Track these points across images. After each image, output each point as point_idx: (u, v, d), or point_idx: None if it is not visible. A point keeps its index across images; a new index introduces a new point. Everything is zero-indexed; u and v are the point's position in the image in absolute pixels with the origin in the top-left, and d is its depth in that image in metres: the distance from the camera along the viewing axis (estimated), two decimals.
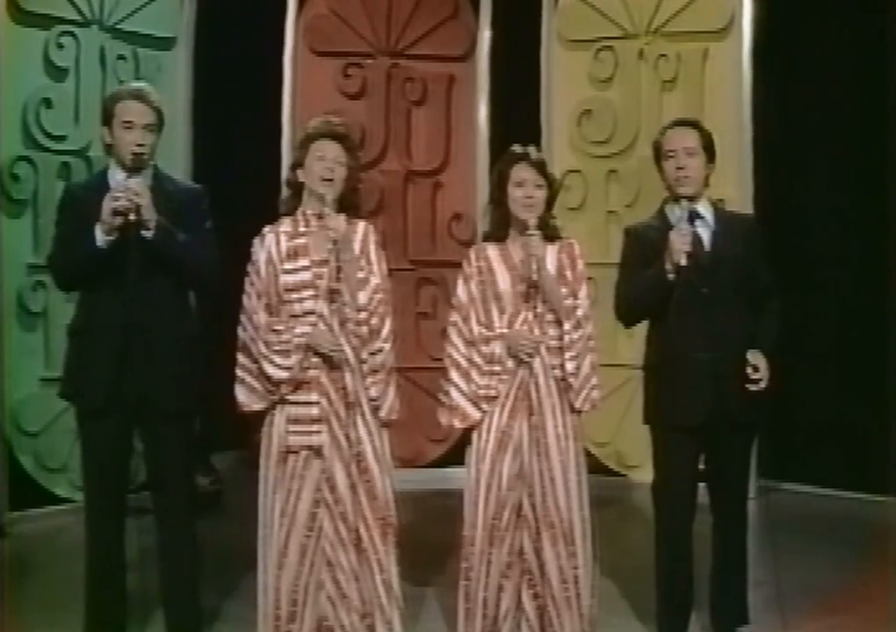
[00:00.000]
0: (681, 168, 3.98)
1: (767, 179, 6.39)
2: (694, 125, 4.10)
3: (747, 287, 4.01)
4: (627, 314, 4.15)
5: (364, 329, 3.88)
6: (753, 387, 3.90)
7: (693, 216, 3.97)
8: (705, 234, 4.00)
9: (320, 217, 3.88)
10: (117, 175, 3.94)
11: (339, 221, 3.85)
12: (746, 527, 4.13)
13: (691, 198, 3.99)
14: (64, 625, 4.22)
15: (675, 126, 4.10)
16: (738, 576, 4.13)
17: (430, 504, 5.85)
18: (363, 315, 3.87)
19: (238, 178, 6.60)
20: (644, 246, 4.05)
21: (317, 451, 3.84)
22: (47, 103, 6.02)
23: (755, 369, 3.89)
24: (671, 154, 4.01)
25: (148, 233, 3.82)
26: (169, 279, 3.92)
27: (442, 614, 4.46)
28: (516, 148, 4.02)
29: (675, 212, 4.00)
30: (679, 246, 3.86)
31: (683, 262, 3.86)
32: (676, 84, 6.71)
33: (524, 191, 3.95)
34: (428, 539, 5.07)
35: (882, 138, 6.24)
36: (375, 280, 3.93)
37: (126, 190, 3.79)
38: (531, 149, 4.02)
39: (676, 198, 4.02)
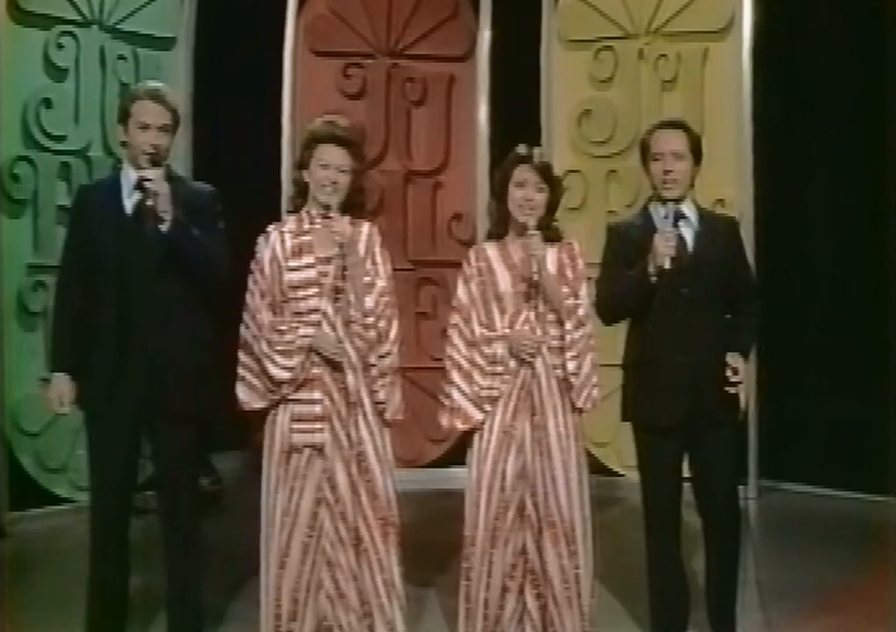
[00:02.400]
0: (668, 172, 3.96)
1: (767, 179, 6.40)
2: (682, 126, 4.07)
3: (728, 288, 4.02)
4: (606, 313, 4.13)
5: (373, 333, 3.87)
6: (731, 389, 3.90)
7: (678, 217, 3.96)
8: (688, 235, 3.99)
9: (325, 217, 3.89)
10: (130, 174, 3.95)
11: (344, 224, 3.85)
12: (736, 531, 4.07)
13: (676, 200, 3.98)
14: (64, 625, 4.22)
15: (663, 128, 4.06)
16: (730, 577, 4.10)
17: (431, 504, 5.85)
18: (370, 319, 3.87)
19: (238, 178, 6.59)
20: (626, 244, 4.04)
21: (320, 450, 3.84)
22: (47, 103, 6.03)
23: (735, 371, 3.90)
24: (658, 156, 3.99)
25: (164, 226, 3.82)
26: (181, 276, 3.92)
27: (443, 614, 4.46)
28: (522, 149, 4.01)
29: (660, 212, 3.98)
30: (663, 250, 3.84)
31: (667, 265, 3.84)
32: (676, 84, 6.71)
33: (524, 193, 3.94)
34: (429, 539, 5.07)
35: (882, 137, 6.24)
36: (381, 283, 3.93)
37: (144, 174, 3.80)
38: (537, 151, 4.01)
39: (661, 198, 4.01)
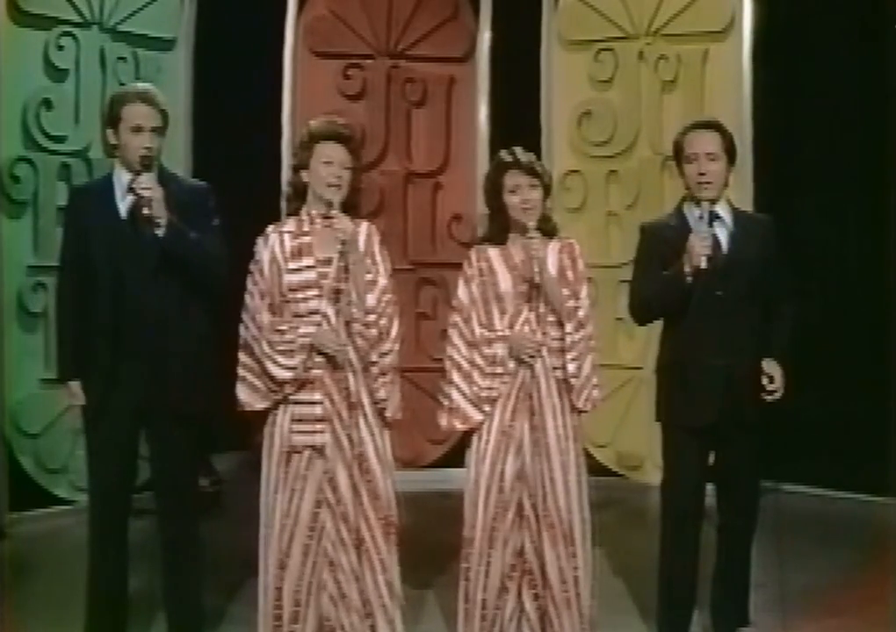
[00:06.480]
0: (702, 174, 3.94)
1: (767, 179, 6.39)
2: (716, 127, 4.03)
3: (762, 289, 4.00)
4: (641, 314, 4.14)
5: (374, 331, 3.88)
6: (768, 398, 3.92)
7: (712, 218, 3.94)
8: (723, 236, 3.98)
9: (325, 217, 3.89)
10: (123, 177, 3.95)
11: (346, 222, 3.84)
12: (753, 528, 4.13)
13: (711, 201, 3.96)
14: (64, 626, 4.21)
15: (696, 129, 4.03)
16: (741, 577, 4.14)
17: (430, 505, 5.85)
18: (371, 317, 3.87)
19: (238, 179, 6.60)
20: (660, 244, 4.03)
21: (320, 451, 3.84)
22: (47, 104, 6.02)
23: (771, 379, 3.90)
24: (692, 157, 3.97)
25: (159, 231, 3.82)
26: (178, 278, 3.92)
27: (442, 614, 4.46)
28: (504, 155, 4.00)
29: (694, 213, 3.96)
30: (699, 250, 3.83)
31: (703, 265, 3.83)
32: (677, 85, 6.71)
33: (521, 197, 3.94)
34: (428, 540, 5.07)
35: (882, 138, 6.23)
36: (383, 281, 3.93)
37: (137, 183, 3.80)
38: (518, 151, 3.98)
39: (694, 198, 3.99)
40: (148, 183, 3.79)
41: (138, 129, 3.91)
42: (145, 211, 3.78)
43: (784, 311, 4.07)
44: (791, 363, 4.03)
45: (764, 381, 3.91)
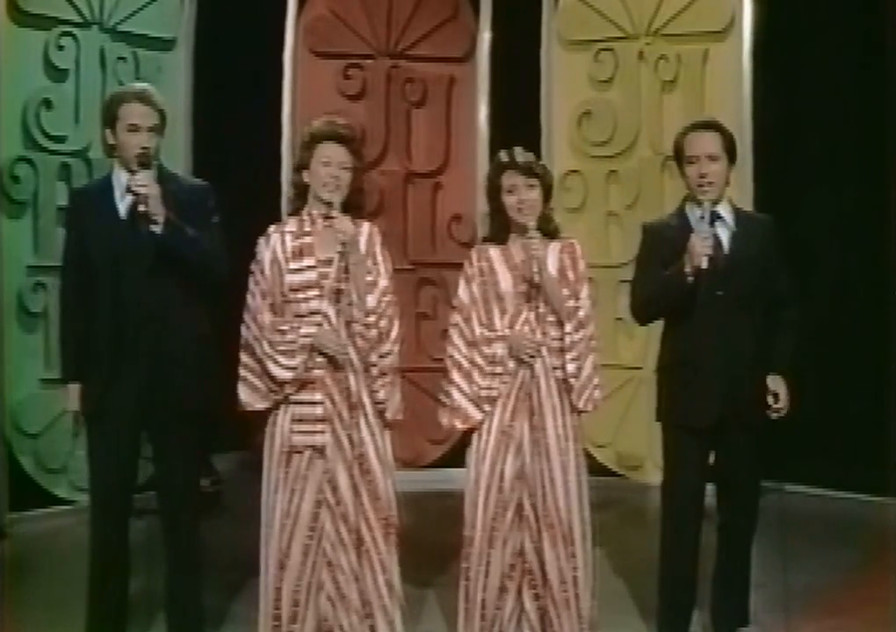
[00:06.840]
0: (703, 176, 3.94)
1: (767, 179, 6.39)
2: (715, 127, 4.03)
3: (763, 291, 4.00)
4: (642, 313, 4.15)
5: (374, 332, 3.88)
6: (774, 415, 3.93)
7: (714, 218, 3.94)
8: (724, 236, 3.98)
9: (326, 217, 3.89)
10: (122, 177, 3.95)
11: (347, 223, 3.85)
12: (753, 529, 4.13)
13: (713, 201, 3.96)
14: (64, 626, 4.22)
15: (696, 129, 4.03)
16: (740, 576, 4.14)
17: (431, 505, 5.85)
18: (371, 318, 3.87)
19: (238, 179, 6.60)
20: (661, 244, 4.03)
21: (320, 451, 3.84)
22: (47, 104, 6.03)
23: (776, 398, 3.92)
24: (693, 159, 3.97)
25: (156, 228, 3.82)
26: (178, 277, 3.92)
27: (443, 614, 4.46)
28: (502, 156, 4.01)
29: (696, 213, 3.96)
30: (700, 249, 3.82)
31: (704, 265, 3.82)
32: (677, 85, 6.71)
33: (518, 197, 3.95)
34: (428, 540, 5.07)
35: (882, 138, 6.24)
36: (383, 282, 3.93)
37: (133, 180, 3.81)
38: (517, 151, 3.99)
39: (696, 198, 3.99)
40: (144, 180, 3.79)
41: (135, 128, 3.91)
42: (141, 207, 3.79)
43: (786, 316, 4.07)
44: (791, 365, 4.03)
45: (770, 400, 3.93)
